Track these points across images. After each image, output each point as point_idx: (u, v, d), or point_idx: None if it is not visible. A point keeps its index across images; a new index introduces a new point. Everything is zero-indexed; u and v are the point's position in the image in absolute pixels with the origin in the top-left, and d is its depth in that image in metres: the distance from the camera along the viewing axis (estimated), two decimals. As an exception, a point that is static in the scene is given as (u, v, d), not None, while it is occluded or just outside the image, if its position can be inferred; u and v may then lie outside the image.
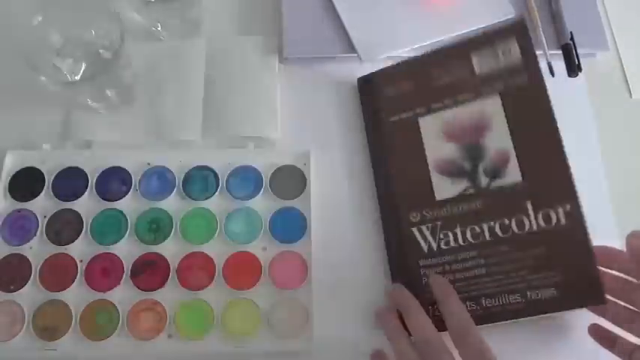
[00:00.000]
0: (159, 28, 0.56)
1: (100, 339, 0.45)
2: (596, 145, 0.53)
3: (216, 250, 0.48)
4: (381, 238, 0.50)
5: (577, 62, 0.53)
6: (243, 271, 0.47)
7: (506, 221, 0.45)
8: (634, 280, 0.43)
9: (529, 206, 0.45)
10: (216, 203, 0.50)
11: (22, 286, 0.47)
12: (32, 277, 0.47)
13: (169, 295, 0.47)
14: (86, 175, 0.50)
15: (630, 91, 0.56)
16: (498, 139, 0.47)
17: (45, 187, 0.50)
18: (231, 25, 0.58)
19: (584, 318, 0.46)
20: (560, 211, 0.44)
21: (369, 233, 0.50)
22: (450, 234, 0.47)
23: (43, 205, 0.49)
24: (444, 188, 0.48)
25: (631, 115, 0.55)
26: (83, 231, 0.48)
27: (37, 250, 0.48)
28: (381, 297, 0.48)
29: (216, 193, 0.50)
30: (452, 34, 0.55)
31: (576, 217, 0.44)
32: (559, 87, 0.54)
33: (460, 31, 0.55)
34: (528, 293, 0.44)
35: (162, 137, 0.53)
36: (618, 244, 0.49)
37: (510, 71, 0.48)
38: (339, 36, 0.55)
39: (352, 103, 0.55)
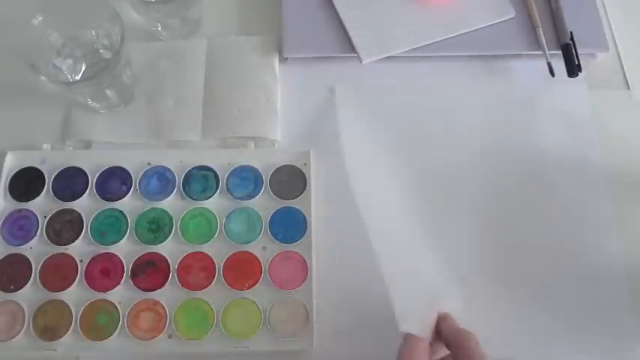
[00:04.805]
0: (159, 28, 0.56)
1: (100, 339, 0.45)
2: (595, 145, 0.53)
3: (216, 250, 0.48)
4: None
5: (577, 62, 0.53)
6: (243, 271, 0.47)
7: None
8: None
9: None
10: (216, 203, 0.50)
11: (22, 286, 0.47)
12: (32, 277, 0.47)
13: (169, 295, 0.47)
14: (86, 175, 0.50)
15: (630, 92, 0.56)
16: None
17: (45, 187, 0.50)
18: (231, 25, 0.58)
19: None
20: None
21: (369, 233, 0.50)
22: None
23: (43, 205, 0.49)
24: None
25: (631, 115, 0.55)
26: (83, 231, 0.48)
27: (37, 250, 0.48)
28: (380, 296, 0.48)
29: (216, 193, 0.50)
30: (452, 34, 0.55)
31: None
32: (559, 87, 0.54)
33: (460, 31, 0.55)
34: None
35: (162, 137, 0.53)
36: (617, 242, 0.49)
37: None
38: (339, 36, 0.55)
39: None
